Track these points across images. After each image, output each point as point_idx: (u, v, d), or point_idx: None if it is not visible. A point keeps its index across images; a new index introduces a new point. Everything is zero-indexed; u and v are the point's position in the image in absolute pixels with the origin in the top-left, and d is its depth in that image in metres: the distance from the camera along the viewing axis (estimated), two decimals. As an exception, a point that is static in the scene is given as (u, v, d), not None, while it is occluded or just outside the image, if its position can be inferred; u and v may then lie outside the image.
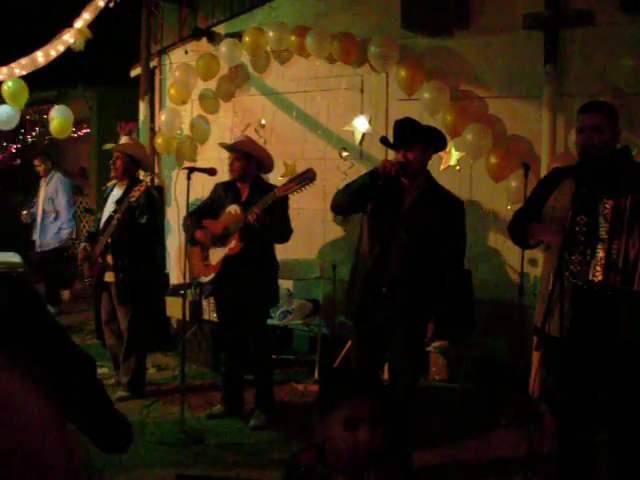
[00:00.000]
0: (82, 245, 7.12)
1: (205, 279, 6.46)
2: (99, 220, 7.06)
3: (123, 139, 7.15)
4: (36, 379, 1.03)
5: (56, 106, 9.81)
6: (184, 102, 9.15)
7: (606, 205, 3.98)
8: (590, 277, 3.99)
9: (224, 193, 6.44)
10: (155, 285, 7.77)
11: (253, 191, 6.24)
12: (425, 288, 4.82)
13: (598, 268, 3.97)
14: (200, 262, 6.45)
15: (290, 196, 5.99)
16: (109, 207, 6.97)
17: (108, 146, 7.30)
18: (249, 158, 6.35)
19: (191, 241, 6.42)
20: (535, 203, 4.50)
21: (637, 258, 3.89)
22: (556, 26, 6.93)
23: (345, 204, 5.05)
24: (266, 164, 6.53)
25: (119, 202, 6.79)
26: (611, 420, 4.30)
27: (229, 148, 6.47)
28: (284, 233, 6.26)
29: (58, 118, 9.55)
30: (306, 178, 5.75)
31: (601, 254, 3.97)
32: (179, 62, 9.45)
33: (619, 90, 6.56)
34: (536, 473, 5.09)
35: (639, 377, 4.16)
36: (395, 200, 4.89)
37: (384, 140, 5.16)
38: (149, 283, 7.16)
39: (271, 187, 6.21)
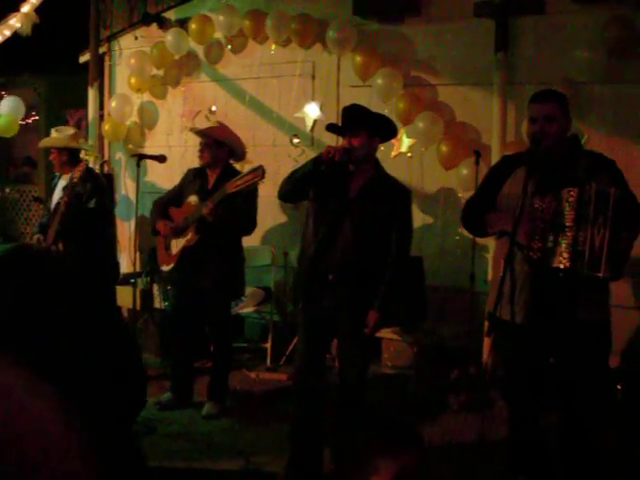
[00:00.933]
0: (35, 237, 7.01)
1: (166, 268, 6.41)
2: (49, 209, 6.97)
3: (53, 133, 6.99)
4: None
5: (5, 101, 9.56)
6: (140, 90, 9.07)
7: (571, 193, 4.03)
8: (555, 264, 4.04)
9: (193, 179, 6.37)
10: (107, 270, 7.67)
11: (221, 179, 6.15)
12: (371, 276, 4.79)
13: (565, 255, 4.02)
14: (163, 251, 6.39)
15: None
16: (57, 195, 6.88)
17: (42, 144, 7.19)
18: (220, 145, 6.27)
19: (153, 231, 6.35)
20: (488, 191, 4.52)
21: (602, 245, 3.95)
22: (507, 14, 6.97)
23: (290, 192, 5.01)
24: (238, 151, 6.47)
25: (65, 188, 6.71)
26: (565, 402, 4.38)
27: (199, 134, 6.39)
28: (243, 227, 6.20)
29: (5, 117, 9.31)
30: (255, 176, 5.68)
31: (567, 241, 4.02)
32: (129, 48, 9.35)
33: (570, 79, 6.61)
34: (488, 457, 5.12)
35: (593, 356, 4.28)
36: (341, 187, 4.86)
37: (330, 127, 5.15)
38: (101, 268, 7.08)
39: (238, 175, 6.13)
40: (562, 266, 4.03)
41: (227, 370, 6.48)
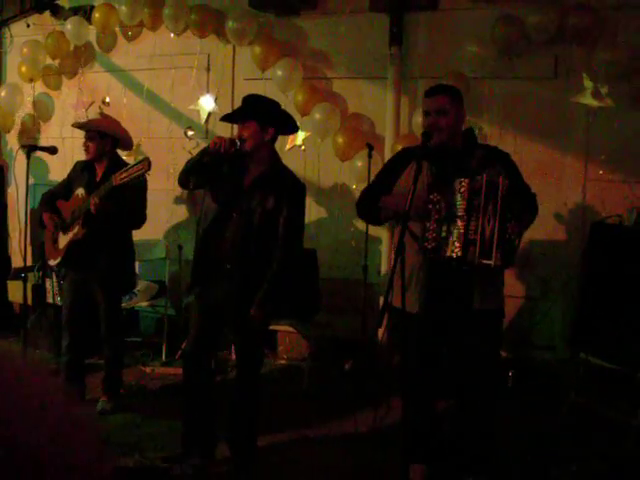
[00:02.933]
0: None
1: (53, 262, 6.27)
2: None
3: None
4: None
5: None
6: (32, 80, 8.84)
7: (462, 183, 4.12)
8: (448, 253, 4.12)
9: (81, 172, 6.23)
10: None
11: (108, 172, 6.01)
12: (260, 268, 4.77)
13: (457, 244, 4.11)
14: (51, 244, 6.24)
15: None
16: None
17: None
18: (103, 137, 6.15)
19: (40, 223, 6.21)
20: (384, 182, 4.58)
21: (492, 234, 4.04)
22: (401, 9, 7.07)
23: (182, 181, 4.94)
24: (125, 142, 6.36)
25: None
26: (458, 389, 4.49)
27: (80, 127, 6.26)
28: (132, 220, 6.09)
29: None
30: (141, 168, 5.58)
31: (459, 231, 4.10)
32: (21, 36, 9.12)
33: (461, 74, 6.74)
34: (381, 444, 5.19)
35: (487, 344, 4.42)
36: (235, 179, 4.83)
37: (224, 117, 5.12)
38: None
39: (125, 166, 6.02)
40: (455, 255, 4.12)
41: (120, 365, 6.39)
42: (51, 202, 6.22)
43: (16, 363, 0.96)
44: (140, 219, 6.11)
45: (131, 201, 5.89)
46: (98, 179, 6.04)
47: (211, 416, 5.01)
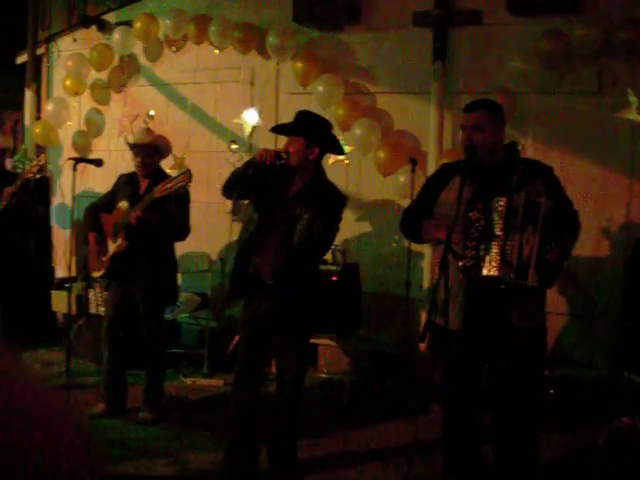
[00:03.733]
0: None
1: (97, 274, 6.33)
2: None
3: None
4: None
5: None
6: (77, 93, 8.96)
7: (500, 202, 4.09)
8: (485, 272, 4.10)
9: (124, 185, 6.28)
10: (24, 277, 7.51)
11: (151, 184, 6.03)
12: (302, 279, 4.77)
13: (494, 264, 4.08)
14: (94, 258, 6.30)
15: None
16: None
17: None
18: (156, 152, 6.22)
19: (85, 239, 6.28)
20: (426, 199, 4.56)
21: (530, 255, 4.01)
22: (445, 24, 7.06)
23: (226, 192, 4.95)
24: (166, 152, 6.41)
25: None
26: (498, 405, 4.45)
27: (138, 146, 6.18)
28: (174, 232, 6.11)
29: None
30: (182, 179, 5.60)
31: (496, 250, 4.08)
32: (68, 50, 9.26)
33: (506, 89, 6.72)
34: (423, 461, 5.17)
35: (527, 361, 4.36)
36: (279, 191, 4.85)
37: (273, 129, 5.16)
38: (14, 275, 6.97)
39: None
40: (491, 274, 4.09)
41: (161, 376, 6.43)
42: (94, 215, 6.28)
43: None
44: (183, 231, 6.13)
45: (173, 213, 5.92)
46: (142, 192, 6.08)
47: (256, 433, 5.02)
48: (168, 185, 5.63)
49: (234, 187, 4.85)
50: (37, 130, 9.16)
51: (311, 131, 4.80)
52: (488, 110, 4.37)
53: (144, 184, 6.13)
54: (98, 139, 9.17)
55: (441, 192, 4.44)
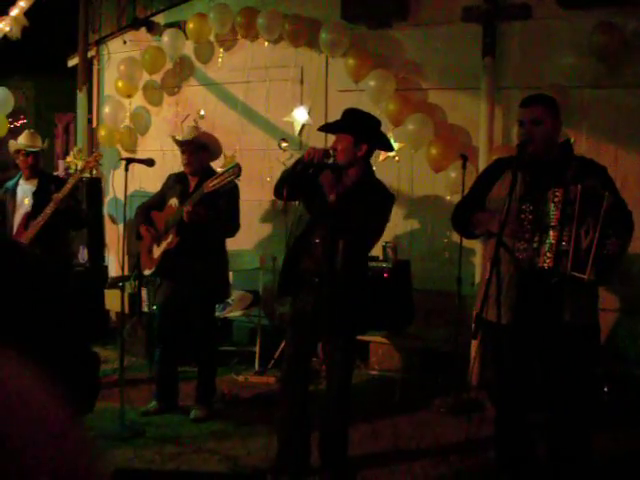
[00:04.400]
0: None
1: (148, 272, 6.39)
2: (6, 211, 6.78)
3: (24, 136, 6.78)
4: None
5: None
6: (130, 95, 9.08)
7: (557, 193, 4.05)
8: (540, 264, 4.05)
9: (174, 184, 6.34)
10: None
11: (200, 181, 6.08)
12: (350, 277, 4.77)
13: (549, 255, 4.04)
14: (146, 255, 6.36)
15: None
16: (22, 201, 6.72)
17: (14, 146, 6.89)
18: (204, 150, 6.27)
19: (137, 236, 6.34)
20: (477, 194, 4.54)
21: (590, 247, 3.95)
22: (494, 19, 7.01)
23: (277, 191, 4.96)
24: (217, 154, 6.47)
25: (36, 194, 6.60)
26: (551, 403, 4.39)
27: (186, 143, 6.27)
28: (225, 227, 6.15)
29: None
30: (231, 174, 5.65)
31: (552, 241, 4.03)
32: (118, 52, 9.37)
33: (557, 84, 6.65)
34: (475, 459, 5.14)
35: (580, 359, 4.28)
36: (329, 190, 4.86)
37: (321, 127, 5.18)
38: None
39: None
40: (546, 266, 4.04)
41: (213, 373, 6.46)
42: (146, 214, 6.34)
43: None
44: (233, 226, 6.17)
45: (223, 208, 5.97)
46: (191, 190, 6.12)
47: (307, 432, 5.02)
48: (217, 180, 5.68)
49: (283, 187, 4.86)
50: (102, 133, 9.32)
51: (358, 128, 4.80)
52: (546, 105, 4.33)
53: (193, 182, 6.18)
54: (147, 137, 9.28)
55: (493, 187, 4.41)
